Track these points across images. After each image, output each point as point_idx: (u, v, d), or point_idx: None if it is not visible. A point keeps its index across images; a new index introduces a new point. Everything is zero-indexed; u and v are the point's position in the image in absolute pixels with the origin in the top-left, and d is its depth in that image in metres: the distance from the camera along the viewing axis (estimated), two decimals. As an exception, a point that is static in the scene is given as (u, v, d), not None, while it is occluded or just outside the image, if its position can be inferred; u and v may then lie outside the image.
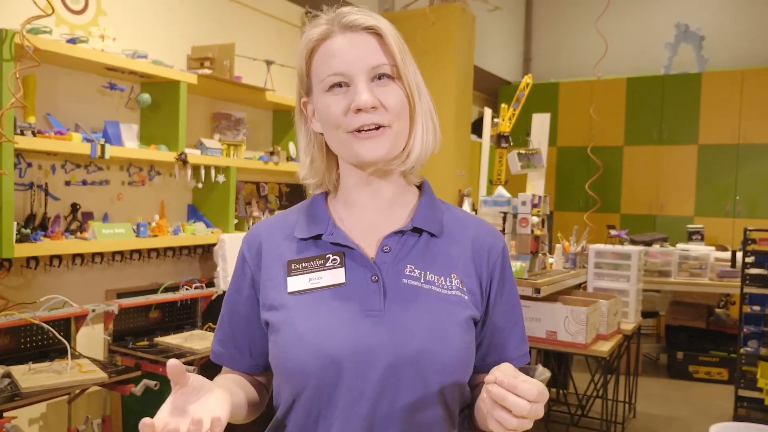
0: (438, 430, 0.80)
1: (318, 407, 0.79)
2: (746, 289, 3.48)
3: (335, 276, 0.82)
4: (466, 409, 0.87)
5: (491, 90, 6.33)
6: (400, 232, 0.85)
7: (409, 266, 0.83)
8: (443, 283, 0.83)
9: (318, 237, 0.85)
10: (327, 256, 0.83)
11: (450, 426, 0.82)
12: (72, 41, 2.25)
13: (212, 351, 0.94)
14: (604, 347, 2.69)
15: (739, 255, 3.71)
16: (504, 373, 0.67)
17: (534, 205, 2.83)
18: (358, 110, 0.79)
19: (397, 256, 0.83)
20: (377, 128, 0.80)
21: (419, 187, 0.92)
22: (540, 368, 2.86)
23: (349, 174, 0.86)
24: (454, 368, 0.79)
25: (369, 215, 0.87)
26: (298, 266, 0.84)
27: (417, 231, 0.85)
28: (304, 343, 0.78)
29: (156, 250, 2.76)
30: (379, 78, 0.81)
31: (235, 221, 3.03)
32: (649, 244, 4.34)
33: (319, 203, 0.89)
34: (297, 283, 0.83)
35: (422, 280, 0.82)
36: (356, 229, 0.86)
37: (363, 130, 0.80)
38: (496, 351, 0.89)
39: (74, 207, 2.43)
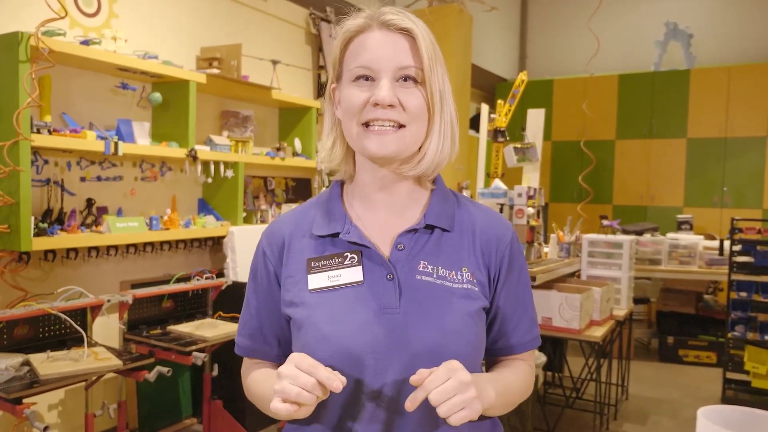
0: None
1: (341, 403, 0.81)
2: (734, 276, 3.53)
3: (353, 274, 0.83)
4: None
5: (488, 87, 6.38)
6: (413, 230, 0.86)
7: (422, 262, 0.84)
8: (454, 277, 0.84)
9: (335, 235, 0.86)
10: (345, 255, 0.85)
11: None
12: (85, 43, 2.30)
13: (240, 346, 0.94)
14: (598, 332, 2.75)
15: (727, 243, 3.76)
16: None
17: (529, 197, 2.89)
18: (376, 105, 0.81)
19: (411, 253, 0.85)
20: (396, 126, 0.81)
21: (433, 181, 0.93)
22: (536, 353, 2.97)
23: (365, 169, 0.87)
24: (467, 360, 0.79)
25: (384, 213, 0.88)
26: (317, 264, 0.85)
27: (429, 228, 0.87)
28: (327, 342, 0.80)
29: (168, 242, 2.81)
30: (405, 80, 0.82)
31: (244, 214, 3.08)
32: (640, 233, 4.39)
33: (336, 198, 0.90)
34: (317, 280, 0.84)
35: (435, 276, 0.84)
36: (371, 227, 0.87)
37: (376, 125, 0.81)
38: (506, 337, 0.91)
39: (89, 202, 2.49)
